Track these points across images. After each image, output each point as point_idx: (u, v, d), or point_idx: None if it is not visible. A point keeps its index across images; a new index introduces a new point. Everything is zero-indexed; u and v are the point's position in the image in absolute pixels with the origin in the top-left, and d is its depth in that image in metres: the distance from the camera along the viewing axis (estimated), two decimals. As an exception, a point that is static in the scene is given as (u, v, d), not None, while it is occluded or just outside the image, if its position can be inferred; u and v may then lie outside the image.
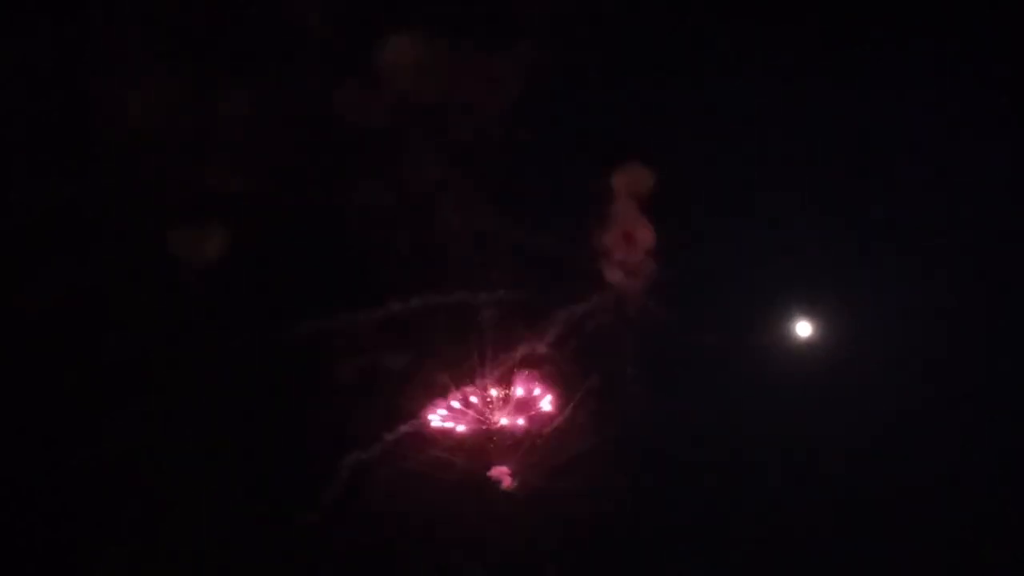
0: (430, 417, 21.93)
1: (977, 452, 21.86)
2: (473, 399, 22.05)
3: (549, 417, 22.26)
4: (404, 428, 21.75)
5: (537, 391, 22.28)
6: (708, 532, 22.11)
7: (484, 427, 22.05)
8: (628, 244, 22.01)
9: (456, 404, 22.05)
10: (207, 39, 20.75)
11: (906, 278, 22.14)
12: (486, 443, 22.10)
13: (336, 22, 20.88)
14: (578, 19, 21.03)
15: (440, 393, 22.02)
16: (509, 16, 21.06)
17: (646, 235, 21.97)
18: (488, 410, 22.15)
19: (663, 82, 21.90)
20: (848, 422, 22.04)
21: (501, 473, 21.87)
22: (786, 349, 22.34)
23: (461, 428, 22.06)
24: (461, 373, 22.00)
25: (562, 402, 22.22)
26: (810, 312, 22.39)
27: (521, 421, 22.13)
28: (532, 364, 22.21)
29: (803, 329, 22.36)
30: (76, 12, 20.44)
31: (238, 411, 21.54)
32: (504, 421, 22.11)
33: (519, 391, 22.20)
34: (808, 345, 22.36)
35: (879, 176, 22.42)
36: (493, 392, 22.12)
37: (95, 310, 21.17)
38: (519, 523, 21.69)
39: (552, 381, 22.31)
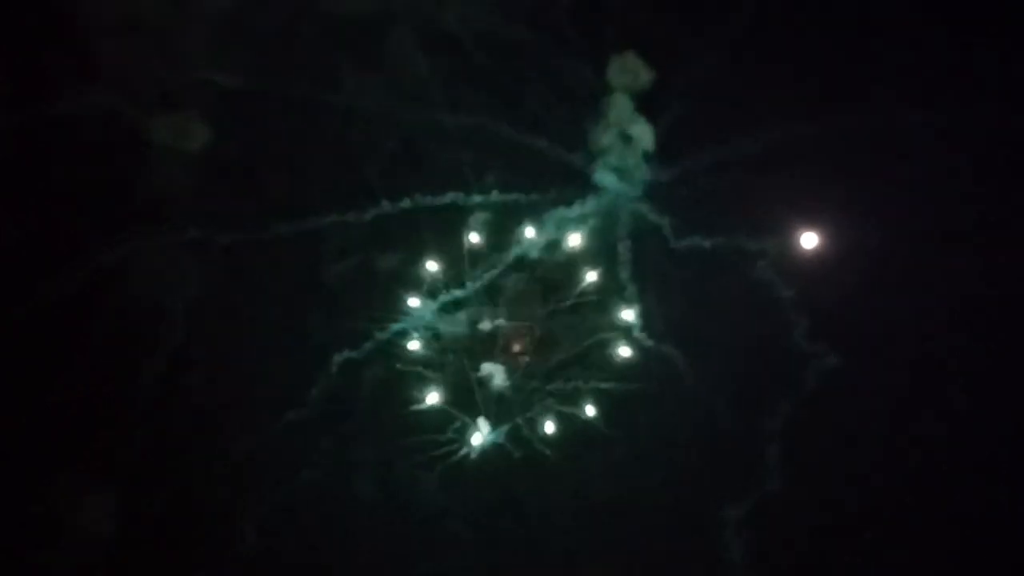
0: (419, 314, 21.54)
1: (992, 369, 21.09)
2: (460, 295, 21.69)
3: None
4: (394, 327, 21.39)
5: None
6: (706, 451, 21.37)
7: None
8: (624, 145, 21.54)
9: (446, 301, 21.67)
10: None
11: (920, 184, 21.34)
12: (474, 344, 21.68)
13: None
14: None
15: (431, 293, 21.62)
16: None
17: (643, 135, 21.54)
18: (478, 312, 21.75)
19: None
20: (858, 338, 21.36)
21: (494, 370, 21.48)
22: (790, 261, 21.65)
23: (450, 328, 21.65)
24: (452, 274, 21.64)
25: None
26: (817, 222, 21.67)
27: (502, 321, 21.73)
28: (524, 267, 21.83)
29: (808, 240, 21.91)
30: None
31: (226, 310, 21.18)
32: (496, 323, 21.66)
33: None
34: (814, 257, 21.89)
35: (892, 79, 21.60)
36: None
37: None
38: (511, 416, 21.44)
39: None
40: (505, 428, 21.34)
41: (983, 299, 21.36)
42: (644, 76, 21.45)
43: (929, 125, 21.16)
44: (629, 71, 21.42)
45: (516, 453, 21.30)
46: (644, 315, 21.65)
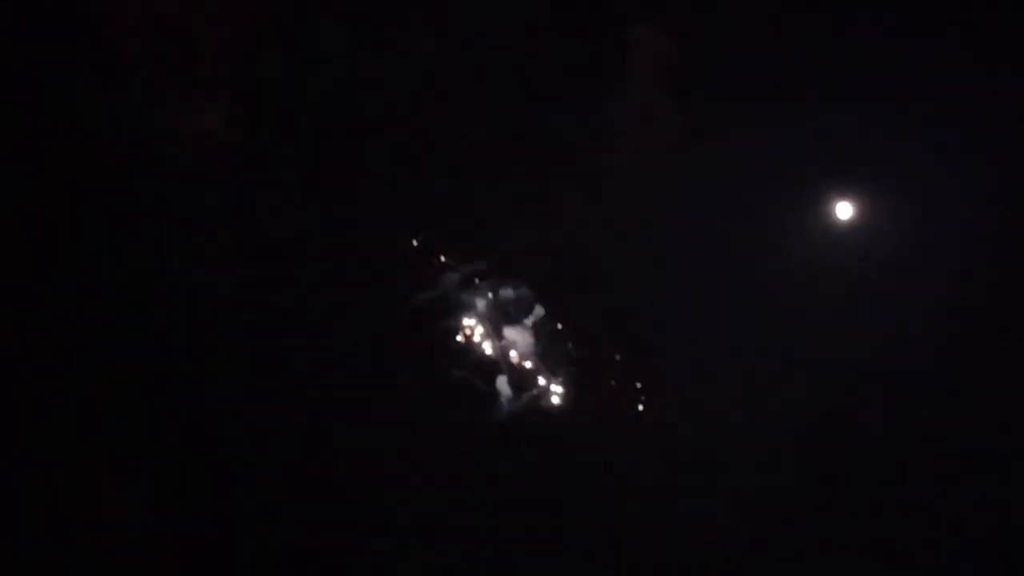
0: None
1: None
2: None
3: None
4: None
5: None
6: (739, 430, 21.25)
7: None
8: (647, 123, 21.06)
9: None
10: None
11: (960, 154, 20.63)
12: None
13: None
14: None
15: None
16: None
17: (668, 112, 21.00)
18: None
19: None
20: (894, 312, 21.02)
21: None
22: (825, 234, 21.23)
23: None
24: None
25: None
26: (851, 193, 21.17)
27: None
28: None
29: (843, 211, 21.20)
30: None
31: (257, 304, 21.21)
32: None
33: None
34: (849, 229, 21.24)
35: (931, 44, 21.12)
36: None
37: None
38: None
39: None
40: (525, 397, 21.68)
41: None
42: (668, 53, 20.92)
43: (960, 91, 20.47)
44: (649, 46, 21.00)
45: (534, 422, 21.64)
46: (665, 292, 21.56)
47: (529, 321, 21.96)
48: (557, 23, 21.14)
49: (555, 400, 21.55)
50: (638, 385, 21.61)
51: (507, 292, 21.95)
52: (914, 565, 19.90)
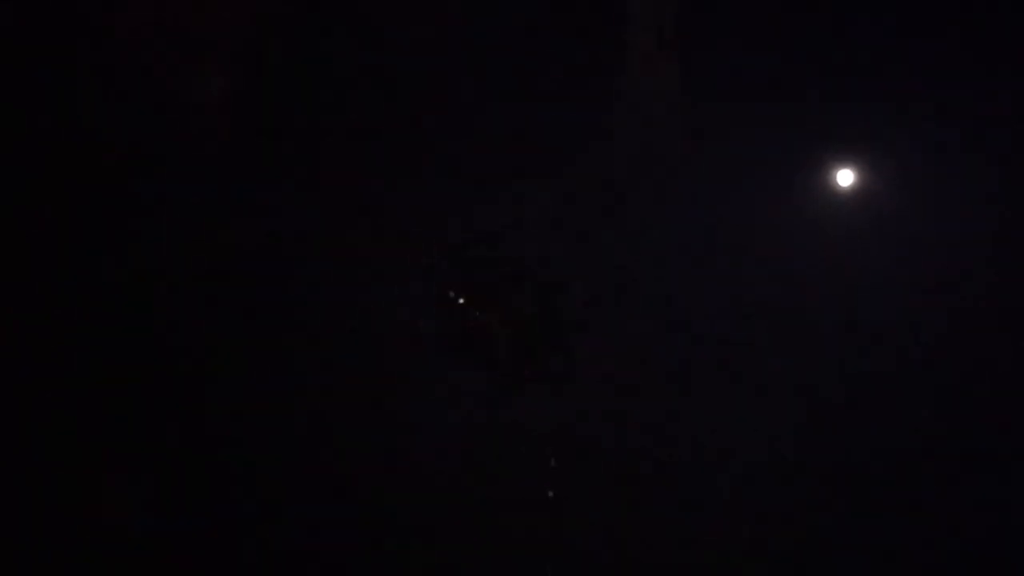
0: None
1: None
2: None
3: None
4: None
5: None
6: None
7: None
8: (647, 79, 21.11)
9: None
10: None
11: (968, 117, 20.74)
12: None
13: None
14: None
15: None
16: None
17: (668, 74, 21.02)
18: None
19: None
20: (898, 281, 21.01)
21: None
22: (826, 200, 21.30)
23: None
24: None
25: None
26: (854, 158, 21.20)
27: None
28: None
29: (845, 178, 21.22)
30: None
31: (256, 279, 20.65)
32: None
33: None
34: (851, 196, 21.26)
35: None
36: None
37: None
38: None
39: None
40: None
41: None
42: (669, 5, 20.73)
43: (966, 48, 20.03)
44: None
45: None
46: (664, 257, 21.66)
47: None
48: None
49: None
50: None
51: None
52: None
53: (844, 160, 21.71)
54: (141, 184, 20.83)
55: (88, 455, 20.16)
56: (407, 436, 21.60)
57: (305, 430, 21.18)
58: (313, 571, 20.56)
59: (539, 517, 21.55)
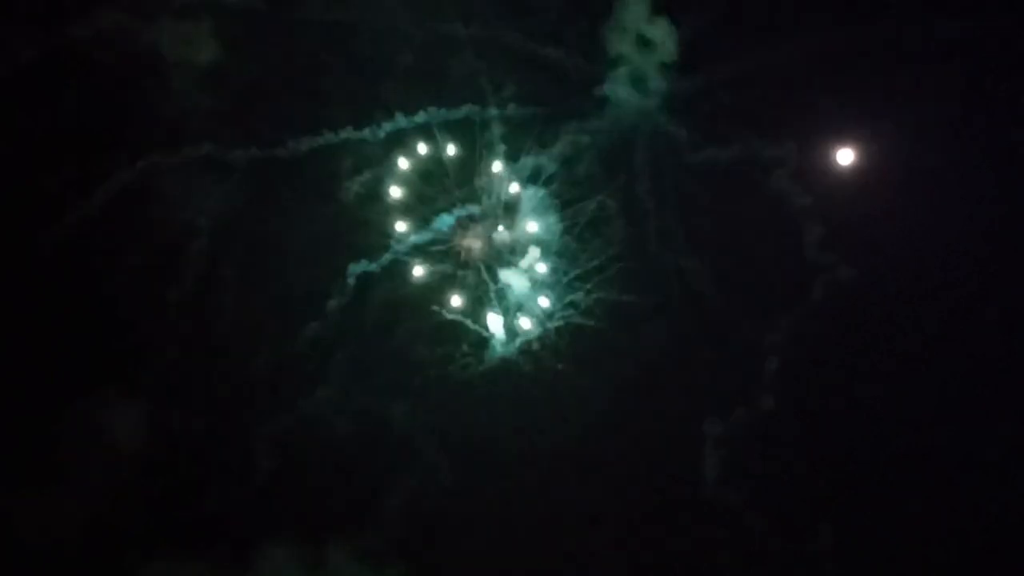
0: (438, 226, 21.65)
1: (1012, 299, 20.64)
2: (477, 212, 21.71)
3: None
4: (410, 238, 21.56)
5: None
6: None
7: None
8: (641, 52, 20.81)
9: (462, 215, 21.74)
10: None
11: (960, 100, 20.50)
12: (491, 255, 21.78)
13: None
14: None
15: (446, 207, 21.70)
16: None
17: (663, 39, 20.78)
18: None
19: None
20: (896, 257, 20.89)
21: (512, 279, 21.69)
22: (825, 178, 21.08)
23: (466, 240, 21.76)
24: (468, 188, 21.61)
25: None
26: (853, 138, 20.99)
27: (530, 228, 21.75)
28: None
29: (844, 157, 21.04)
30: None
31: (242, 228, 21.34)
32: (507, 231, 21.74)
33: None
34: (850, 174, 21.09)
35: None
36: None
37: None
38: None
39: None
40: (518, 341, 21.74)
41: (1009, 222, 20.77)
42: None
43: (959, 37, 20.32)
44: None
45: (525, 367, 21.52)
46: (659, 227, 21.54)
47: (525, 264, 22.02)
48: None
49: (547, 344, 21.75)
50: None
51: (502, 234, 22.01)
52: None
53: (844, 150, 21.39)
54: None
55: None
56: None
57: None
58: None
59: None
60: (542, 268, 21.64)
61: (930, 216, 20.65)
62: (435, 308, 21.32)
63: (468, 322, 21.44)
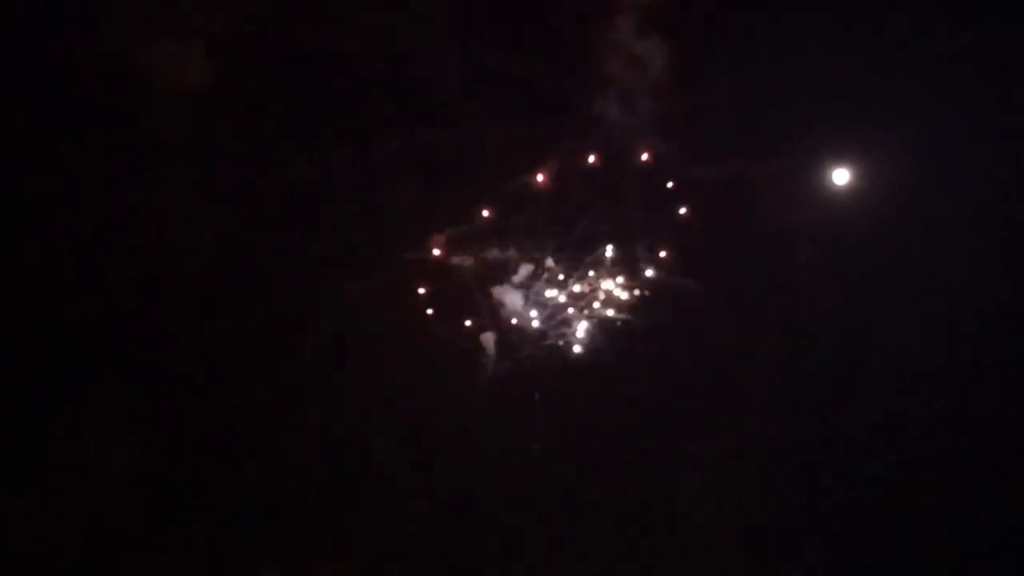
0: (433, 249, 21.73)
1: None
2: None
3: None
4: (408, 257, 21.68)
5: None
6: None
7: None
8: (635, 71, 20.60)
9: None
10: None
11: (962, 117, 20.11)
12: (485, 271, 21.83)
13: None
14: None
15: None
16: None
17: (653, 56, 20.52)
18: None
19: None
20: (892, 281, 20.88)
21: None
22: (821, 199, 20.90)
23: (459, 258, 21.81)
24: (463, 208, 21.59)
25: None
26: (849, 158, 20.83)
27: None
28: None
29: (840, 177, 20.89)
30: None
31: (236, 246, 21.33)
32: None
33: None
34: (846, 195, 20.95)
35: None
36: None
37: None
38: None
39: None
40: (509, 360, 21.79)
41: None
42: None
43: (954, 50, 19.91)
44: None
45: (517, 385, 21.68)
46: (650, 247, 21.56)
47: (517, 280, 22.02)
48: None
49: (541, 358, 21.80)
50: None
51: (495, 253, 21.99)
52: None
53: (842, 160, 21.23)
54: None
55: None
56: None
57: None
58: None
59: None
60: (534, 286, 21.73)
61: (926, 235, 20.61)
62: (426, 326, 21.43)
63: (459, 340, 21.61)
